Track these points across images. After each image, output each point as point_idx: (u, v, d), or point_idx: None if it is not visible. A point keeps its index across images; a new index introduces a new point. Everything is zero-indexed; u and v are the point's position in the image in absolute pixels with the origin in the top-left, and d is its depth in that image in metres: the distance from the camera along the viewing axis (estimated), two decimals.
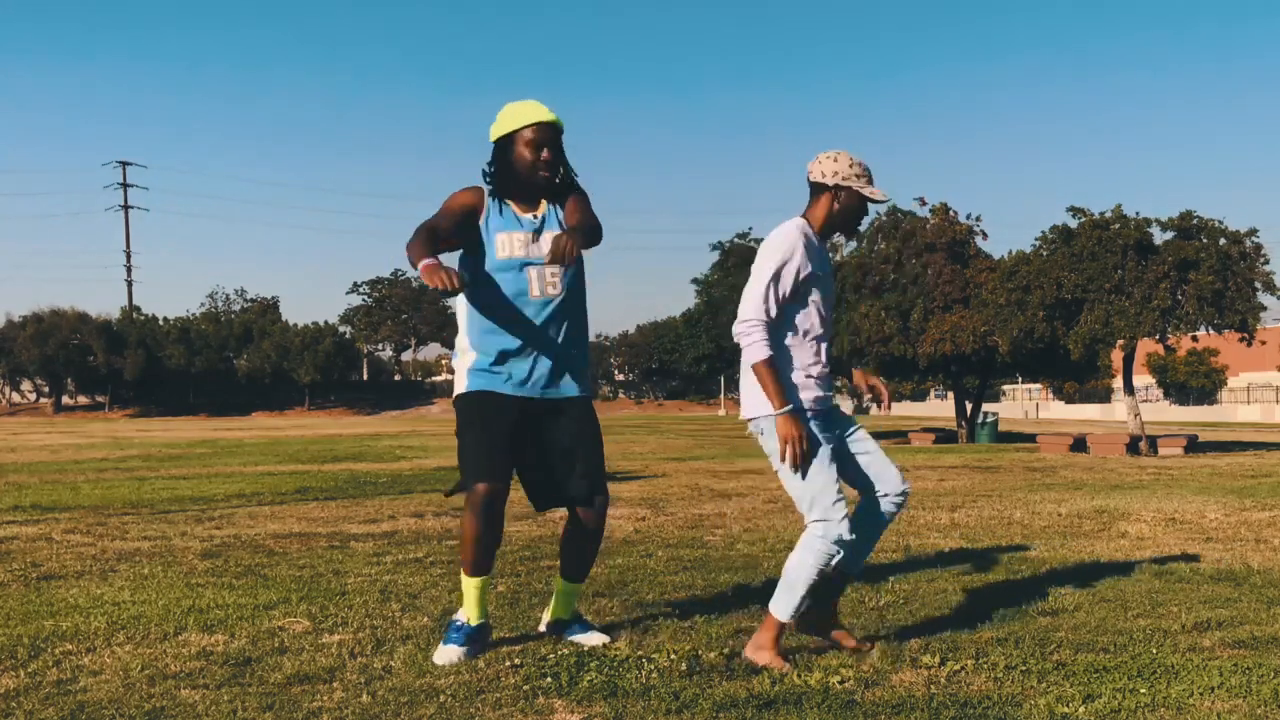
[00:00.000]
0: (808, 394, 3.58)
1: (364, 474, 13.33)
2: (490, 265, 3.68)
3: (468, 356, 3.76)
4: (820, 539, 3.49)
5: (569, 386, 3.79)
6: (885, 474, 3.71)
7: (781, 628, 3.55)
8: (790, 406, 3.46)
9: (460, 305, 3.77)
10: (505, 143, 3.71)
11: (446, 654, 3.61)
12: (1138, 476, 12.72)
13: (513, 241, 3.67)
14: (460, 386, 3.77)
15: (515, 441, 3.72)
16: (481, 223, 3.70)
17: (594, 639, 3.86)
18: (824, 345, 3.66)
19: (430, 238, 3.52)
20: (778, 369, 3.49)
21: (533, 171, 3.67)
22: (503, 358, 3.70)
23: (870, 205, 3.69)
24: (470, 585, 3.73)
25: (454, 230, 3.66)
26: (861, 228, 3.84)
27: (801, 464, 3.46)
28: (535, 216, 3.73)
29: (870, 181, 3.63)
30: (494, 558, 3.80)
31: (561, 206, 3.79)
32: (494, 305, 3.69)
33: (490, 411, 3.68)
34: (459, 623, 3.71)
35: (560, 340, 3.74)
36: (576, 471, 3.81)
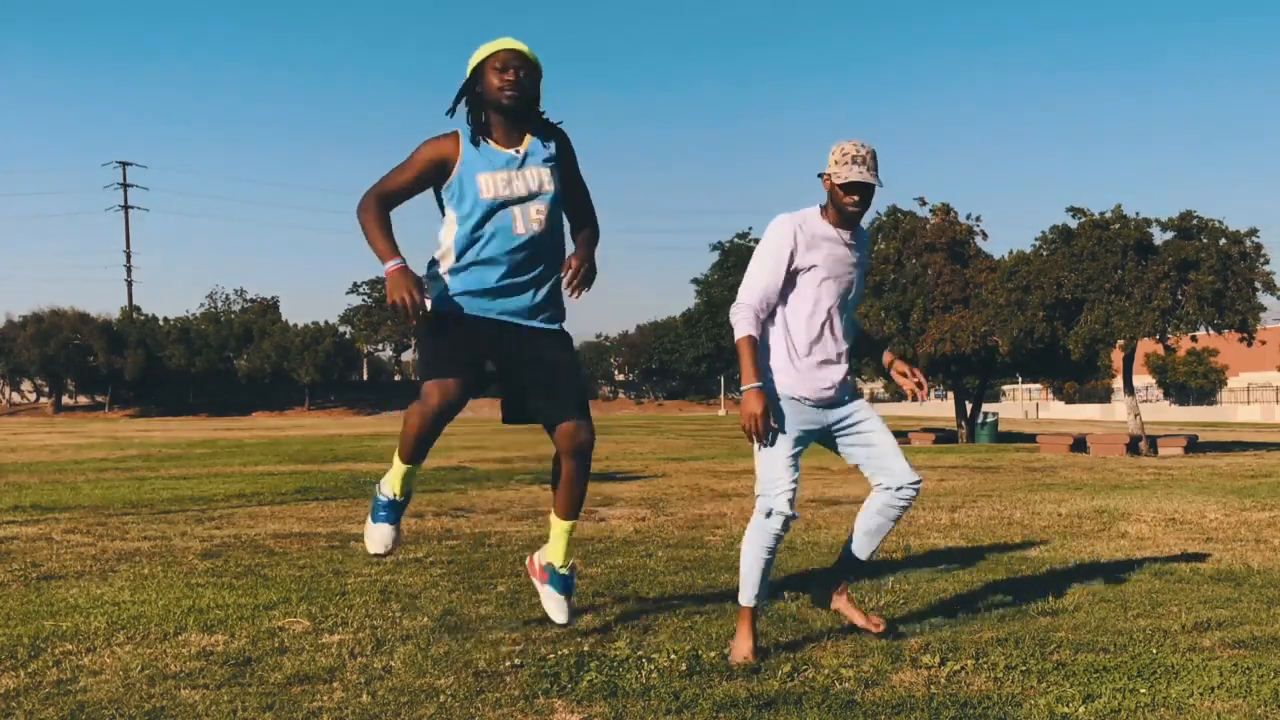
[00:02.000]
0: (795, 381, 3.63)
1: (364, 474, 13.33)
2: (473, 204, 3.65)
3: (447, 273, 3.72)
4: (758, 514, 3.63)
5: (547, 319, 3.77)
6: (891, 467, 3.73)
7: (748, 616, 3.64)
8: (757, 384, 3.55)
9: (449, 222, 3.72)
10: (477, 74, 3.70)
11: (381, 534, 3.79)
12: (1138, 476, 12.72)
13: (495, 182, 3.65)
14: (439, 296, 3.72)
15: (484, 359, 3.71)
16: (458, 167, 3.67)
17: (551, 604, 3.84)
18: (824, 335, 3.66)
19: (383, 205, 3.67)
20: (755, 350, 3.59)
21: (499, 94, 3.65)
22: (485, 291, 3.69)
23: (853, 194, 3.61)
24: (405, 470, 3.85)
25: (414, 186, 3.71)
26: (864, 220, 3.80)
27: (765, 442, 3.59)
28: (518, 151, 3.70)
29: (853, 164, 3.59)
30: (428, 452, 3.86)
31: (549, 142, 3.76)
32: (479, 239, 3.67)
33: (464, 325, 3.68)
34: (386, 499, 3.86)
35: (541, 275, 3.74)
36: (560, 397, 3.74)
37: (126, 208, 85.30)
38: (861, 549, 3.84)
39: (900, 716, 2.99)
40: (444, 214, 3.76)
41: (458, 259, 3.70)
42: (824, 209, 3.71)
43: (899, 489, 3.73)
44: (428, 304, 3.60)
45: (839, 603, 3.90)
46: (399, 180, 3.70)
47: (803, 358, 3.66)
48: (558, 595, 3.85)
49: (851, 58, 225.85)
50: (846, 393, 3.75)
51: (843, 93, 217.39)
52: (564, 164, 3.82)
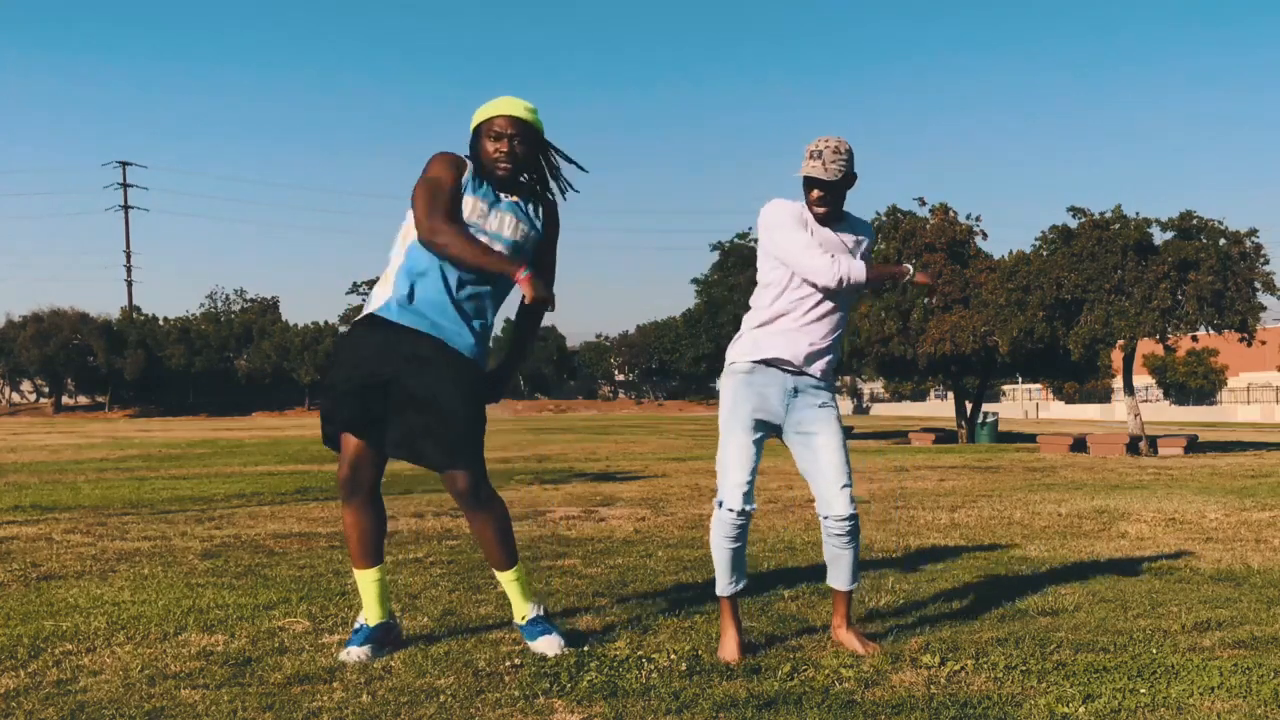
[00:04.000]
0: (751, 347, 3.67)
1: None
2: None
3: (386, 288, 3.63)
4: (715, 509, 3.66)
5: (460, 340, 3.59)
6: (825, 493, 3.67)
7: (727, 608, 3.68)
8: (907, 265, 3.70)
9: (403, 236, 3.67)
10: (476, 134, 3.68)
11: (347, 653, 3.62)
12: (1138, 476, 12.72)
13: (478, 206, 3.63)
14: (367, 308, 3.65)
15: (383, 383, 3.56)
16: (459, 183, 3.63)
17: (544, 645, 3.66)
18: (792, 315, 3.66)
19: (455, 221, 3.53)
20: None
21: (492, 164, 3.63)
22: (411, 298, 3.57)
23: (811, 190, 3.61)
24: (364, 580, 3.75)
25: (457, 189, 3.60)
26: (831, 209, 3.66)
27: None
28: (501, 197, 3.69)
29: (810, 158, 3.58)
30: (381, 544, 3.73)
31: (538, 209, 3.75)
32: (430, 259, 3.60)
33: (366, 353, 3.55)
34: (358, 624, 3.75)
35: (473, 313, 3.64)
36: (433, 432, 3.54)
37: (126, 208, 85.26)
38: (833, 579, 3.80)
39: (900, 716, 2.99)
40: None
41: (406, 258, 3.61)
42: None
43: (826, 518, 3.68)
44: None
45: (839, 635, 3.80)
46: (444, 191, 3.55)
47: (766, 327, 3.67)
48: (538, 640, 3.69)
49: (852, 57, 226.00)
50: (812, 385, 3.68)
51: (844, 92, 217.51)
52: (545, 232, 3.79)
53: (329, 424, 3.69)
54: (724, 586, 3.70)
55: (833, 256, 3.58)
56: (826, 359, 3.72)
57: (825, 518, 3.69)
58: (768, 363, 3.66)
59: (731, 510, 3.61)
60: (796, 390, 3.68)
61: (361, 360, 3.59)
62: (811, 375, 3.69)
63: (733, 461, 3.63)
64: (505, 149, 3.61)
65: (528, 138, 3.66)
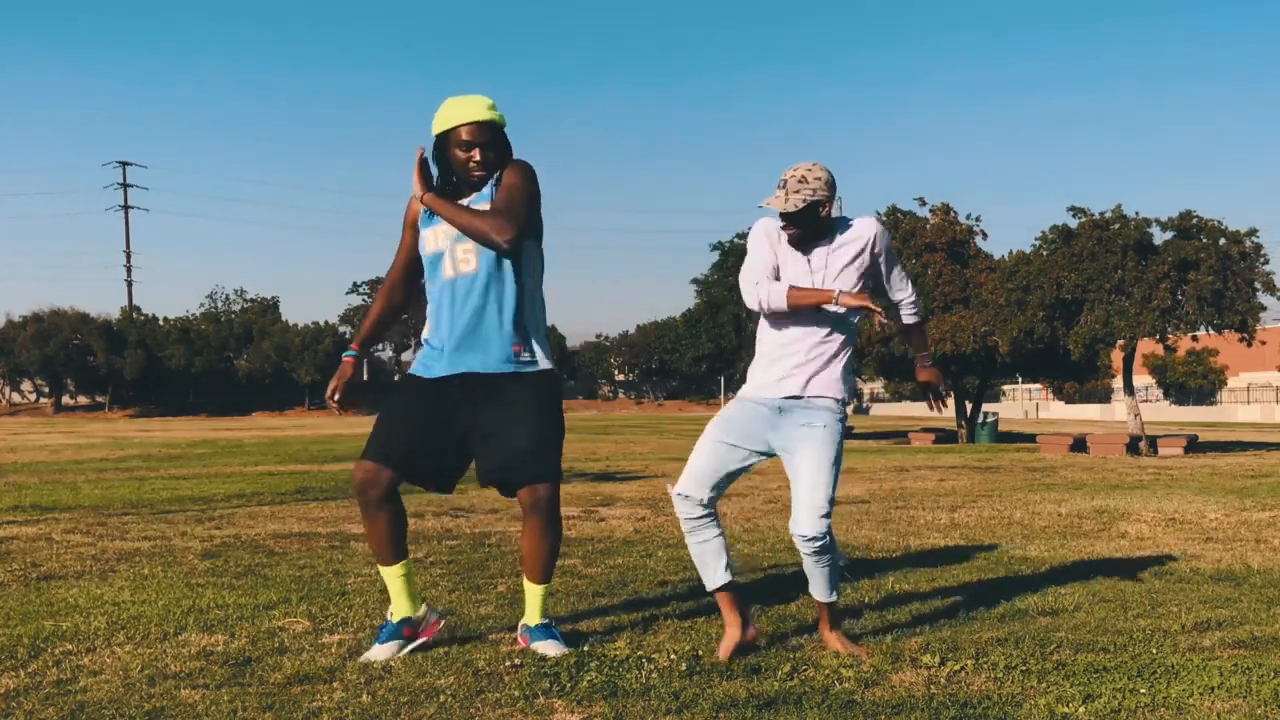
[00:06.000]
0: (751, 383, 3.71)
1: None
2: (425, 261, 3.73)
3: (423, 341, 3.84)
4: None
5: (496, 364, 3.62)
6: (795, 510, 3.60)
7: (721, 602, 3.71)
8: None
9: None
10: (441, 140, 3.65)
11: (373, 652, 3.63)
12: (1138, 476, 12.72)
13: (437, 235, 3.65)
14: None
15: (438, 425, 3.67)
16: (419, 225, 3.72)
17: (550, 649, 3.65)
18: (789, 342, 3.65)
19: (389, 292, 3.85)
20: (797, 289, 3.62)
21: (465, 173, 3.62)
22: (433, 341, 3.71)
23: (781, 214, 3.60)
24: (389, 575, 3.76)
25: (413, 252, 3.79)
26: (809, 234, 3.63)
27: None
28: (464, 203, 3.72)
29: (777, 188, 3.58)
30: (401, 542, 3.74)
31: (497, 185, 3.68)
32: (427, 293, 3.76)
33: (405, 396, 3.73)
34: (385, 622, 3.77)
35: (483, 317, 3.61)
36: (508, 451, 3.61)
37: (126, 208, 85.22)
38: (812, 591, 3.75)
39: (900, 716, 2.99)
40: None
41: (426, 319, 3.79)
42: None
43: (796, 536, 3.60)
44: (337, 401, 3.88)
45: (828, 640, 3.77)
46: (399, 255, 3.82)
47: (757, 358, 3.74)
48: (543, 643, 3.69)
49: (852, 57, 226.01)
50: (800, 406, 3.62)
51: (843, 92, 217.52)
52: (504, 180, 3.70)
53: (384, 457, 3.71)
54: (707, 582, 3.72)
55: (757, 283, 3.59)
56: (811, 378, 3.63)
57: (795, 536, 3.61)
58: (749, 398, 3.70)
59: (679, 495, 3.64)
60: (781, 410, 3.65)
61: (417, 436, 3.67)
62: (795, 397, 3.63)
63: (696, 453, 3.68)
64: (478, 158, 3.60)
65: (495, 139, 3.64)
